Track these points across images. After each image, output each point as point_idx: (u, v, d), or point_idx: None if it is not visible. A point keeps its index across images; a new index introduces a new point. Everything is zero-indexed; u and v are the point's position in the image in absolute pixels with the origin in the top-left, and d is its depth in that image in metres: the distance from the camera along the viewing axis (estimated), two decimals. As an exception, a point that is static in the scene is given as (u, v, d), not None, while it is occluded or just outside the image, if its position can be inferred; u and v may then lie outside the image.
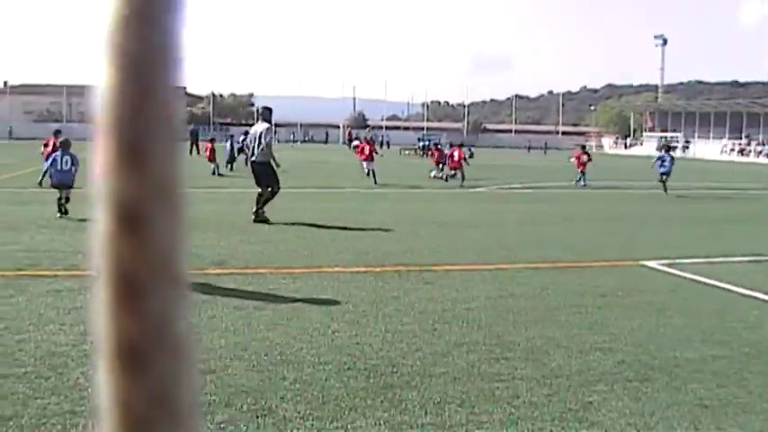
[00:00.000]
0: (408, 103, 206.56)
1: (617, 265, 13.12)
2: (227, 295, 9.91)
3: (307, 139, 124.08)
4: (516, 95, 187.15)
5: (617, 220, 20.52)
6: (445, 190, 30.09)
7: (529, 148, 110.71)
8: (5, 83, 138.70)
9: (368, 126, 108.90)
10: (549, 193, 31.03)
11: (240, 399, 6.27)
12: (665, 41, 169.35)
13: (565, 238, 16.52)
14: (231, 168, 36.94)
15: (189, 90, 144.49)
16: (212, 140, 37.27)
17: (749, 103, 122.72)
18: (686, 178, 41.12)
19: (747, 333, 8.88)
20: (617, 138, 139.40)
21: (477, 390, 6.70)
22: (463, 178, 33.17)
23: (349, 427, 5.86)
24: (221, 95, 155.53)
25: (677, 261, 13.47)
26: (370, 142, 35.72)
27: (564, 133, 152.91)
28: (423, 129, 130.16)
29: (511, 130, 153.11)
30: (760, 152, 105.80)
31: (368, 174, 32.92)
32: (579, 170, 36.04)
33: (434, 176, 35.23)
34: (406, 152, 77.47)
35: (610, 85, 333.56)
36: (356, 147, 42.56)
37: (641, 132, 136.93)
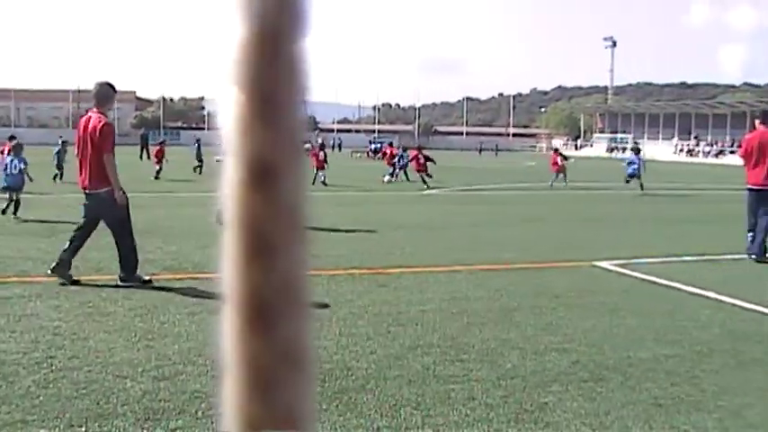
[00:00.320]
0: (359, 106, 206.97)
1: (570, 266, 13.18)
2: (179, 300, 9.83)
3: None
4: (467, 98, 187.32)
5: (570, 222, 20.63)
6: (398, 193, 30.11)
7: (480, 150, 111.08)
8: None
9: (318, 129, 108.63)
10: (503, 195, 31.16)
11: (195, 404, 6.21)
12: (614, 43, 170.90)
13: (519, 239, 16.59)
14: (200, 172, 36.65)
15: (139, 94, 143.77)
16: (163, 142, 36.95)
17: (698, 105, 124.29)
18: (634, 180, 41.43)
19: (699, 332, 8.95)
20: (567, 139, 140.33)
21: (433, 392, 6.69)
22: (425, 182, 33.29)
23: (304, 431, 5.80)
24: (172, 99, 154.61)
25: (629, 261, 13.56)
26: (323, 148, 35.72)
27: (515, 135, 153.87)
28: (374, 131, 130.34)
29: (462, 133, 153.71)
30: (708, 152, 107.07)
31: (322, 182, 32.17)
32: (555, 172, 36.29)
33: (388, 181, 35.19)
34: (357, 154, 77.46)
35: (560, 87, 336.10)
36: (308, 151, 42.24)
37: (591, 134, 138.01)
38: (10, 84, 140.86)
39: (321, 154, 33.67)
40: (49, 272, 10.75)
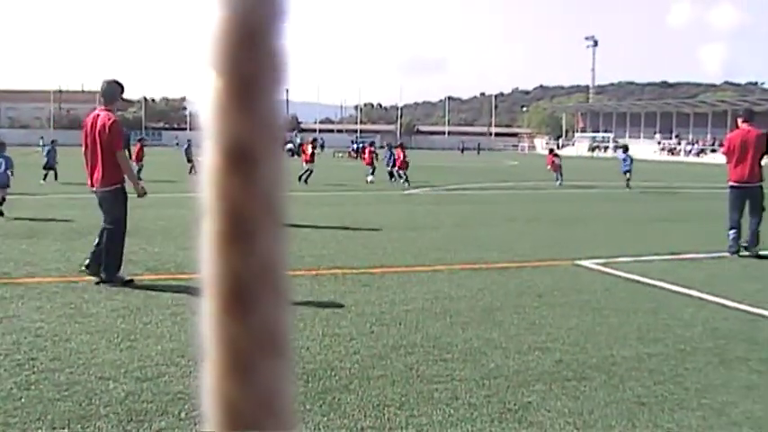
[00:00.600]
0: (341, 106, 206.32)
1: (553, 265, 13.20)
2: (162, 301, 9.80)
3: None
4: (449, 97, 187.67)
5: (553, 221, 20.65)
6: (380, 193, 30.09)
7: (462, 150, 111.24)
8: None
9: (301, 129, 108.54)
10: (485, 194, 31.20)
11: (177, 406, 6.19)
12: (595, 43, 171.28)
13: (501, 239, 16.60)
14: (193, 172, 36.61)
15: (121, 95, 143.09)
16: (141, 140, 36.77)
17: (679, 104, 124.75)
18: (618, 177, 41.56)
19: (682, 330, 8.98)
20: (549, 138, 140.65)
21: (416, 392, 6.68)
22: (407, 178, 33.54)
23: None
24: (153, 100, 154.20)
25: (612, 260, 13.60)
26: (314, 142, 36.05)
27: (497, 134, 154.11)
28: (356, 131, 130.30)
29: (444, 132, 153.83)
30: (689, 151, 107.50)
31: (304, 179, 32.87)
32: (554, 171, 37.39)
33: (371, 181, 35.14)
34: (340, 154, 77.47)
35: (541, 87, 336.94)
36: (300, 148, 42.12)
37: (573, 133, 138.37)
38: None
39: (309, 148, 34.01)
40: (84, 268, 10.95)
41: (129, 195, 11.15)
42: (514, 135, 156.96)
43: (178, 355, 7.52)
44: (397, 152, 35.45)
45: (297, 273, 11.84)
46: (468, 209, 24.04)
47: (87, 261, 10.91)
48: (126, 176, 11.08)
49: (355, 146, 76.66)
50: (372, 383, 6.88)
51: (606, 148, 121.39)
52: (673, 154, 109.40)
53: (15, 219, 18.03)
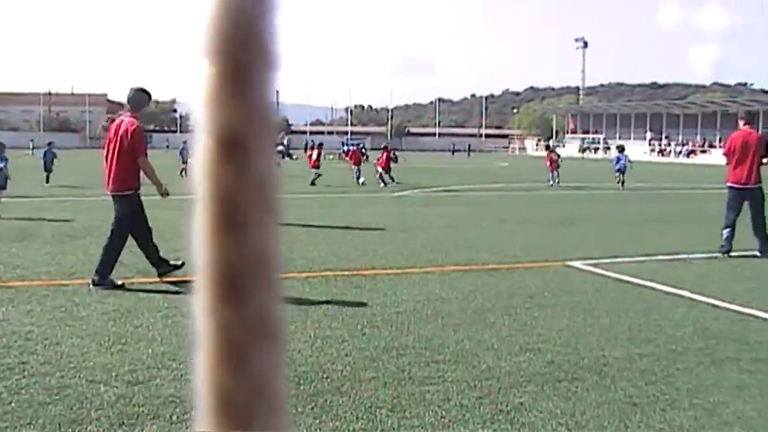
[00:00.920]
0: (332, 108, 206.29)
1: (544, 266, 13.21)
2: (153, 304, 9.78)
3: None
4: (439, 99, 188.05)
5: (543, 222, 20.67)
6: (371, 194, 30.09)
7: (453, 151, 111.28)
8: None
9: (291, 131, 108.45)
10: (476, 195, 31.22)
11: (169, 409, 6.17)
12: (585, 44, 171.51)
13: (492, 240, 16.61)
14: (185, 175, 36.77)
15: (110, 97, 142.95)
16: None
17: (669, 105, 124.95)
18: (608, 178, 41.62)
19: (673, 330, 8.99)
20: (539, 140, 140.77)
21: (408, 394, 6.68)
22: (385, 181, 33.81)
23: (280, 435, 5.78)
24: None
25: (603, 261, 13.62)
26: (320, 147, 36.32)
27: (487, 136, 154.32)
28: (347, 133, 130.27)
29: (435, 134, 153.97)
30: (680, 152, 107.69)
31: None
32: (551, 170, 37.96)
33: (363, 183, 35.09)
34: (330, 156, 77.45)
35: (532, 88, 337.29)
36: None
37: (563, 134, 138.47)
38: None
39: (314, 153, 34.39)
40: (160, 278, 11.23)
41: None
42: (505, 136, 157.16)
43: (169, 358, 7.50)
44: (382, 153, 35.72)
45: (288, 275, 11.82)
46: (459, 210, 24.05)
47: (158, 272, 11.33)
48: (150, 180, 11.34)
49: (346, 148, 76.66)
50: (364, 385, 6.87)
51: (597, 149, 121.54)
52: (663, 155, 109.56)
53: (6, 220, 18.00)
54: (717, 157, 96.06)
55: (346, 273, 12.18)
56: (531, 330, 8.87)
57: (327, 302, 10.05)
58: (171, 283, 10.95)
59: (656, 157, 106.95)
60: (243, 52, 0.56)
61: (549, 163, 38.51)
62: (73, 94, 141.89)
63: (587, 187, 37.22)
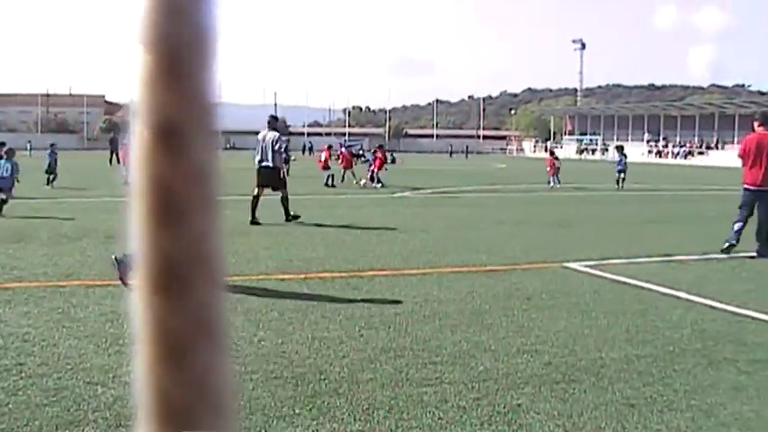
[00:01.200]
0: (330, 109, 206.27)
1: (542, 267, 13.21)
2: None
3: (229, 146, 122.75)
4: (437, 100, 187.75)
5: (541, 223, 20.68)
6: (369, 196, 30.10)
7: (451, 153, 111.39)
8: None
9: (289, 132, 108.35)
10: (473, 197, 31.23)
11: (166, 410, 6.16)
12: (583, 46, 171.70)
13: (490, 241, 16.61)
14: None
15: (108, 98, 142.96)
16: (125, 144, 36.85)
17: (666, 106, 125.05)
18: (606, 180, 41.66)
19: (670, 332, 9.00)
20: (536, 141, 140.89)
21: (406, 395, 6.68)
22: (373, 180, 34.04)
23: (277, 436, 5.79)
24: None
25: (600, 262, 13.62)
26: (330, 149, 36.50)
27: (485, 137, 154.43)
28: (344, 134, 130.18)
29: (432, 135, 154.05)
30: (677, 154, 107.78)
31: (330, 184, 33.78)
32: (551, 175, 37.77)
33: (364, 185, 35.00)
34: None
35: (529, 89, 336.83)
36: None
37: (561, 136, 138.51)
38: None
39: (323, 156, 34.61)
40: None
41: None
42: (503, 138, 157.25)
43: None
44: (378, 154, 35.80)
45: (286, 276, 11.84)
46: (456, 212, 24.06)
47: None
48: None
49: (343, 149, 76.65)
50: (362, 387, 6.87)
51: (594, 150, 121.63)
52: (660, 156, 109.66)
53: (3, 220, 17.99)
54: (714, 158, 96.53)
55: (344, 274, 12.18)
56: (528, 332, 8.87)
57: (325, 304, 10.05)
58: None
59: (653, 159, 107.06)
60: (178, 38, 0.55)
61: (549, 167, 38.45)
62: (71, 96, 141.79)
63: (585, 189, 37.23)
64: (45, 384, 6.73)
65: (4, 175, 20.74)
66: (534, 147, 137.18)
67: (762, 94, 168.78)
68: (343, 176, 36.56)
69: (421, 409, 6.34)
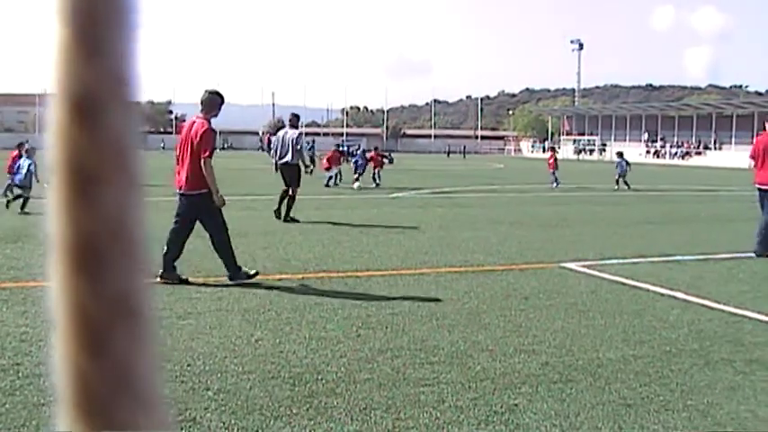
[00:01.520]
0: (328, 110, 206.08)
1: (539, 267, 13.22)
2: (147, 305, 9.75)
3: (226, 146, 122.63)
4: (435, 100, 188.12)
5: (538, 223, 20.69)
6: (366, 196, 30.09)
7: (448, 153, 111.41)
8: None
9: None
10: (470, 197, 31.23)
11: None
12: (581, 46, 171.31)
13: (487, 242, 16.62)
14: None
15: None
16: None
17: (664, 106, 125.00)
18: (603, 180, 41.69)
19: (667, 332, 9.01)
20: (534, 141, 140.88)
21: (403, 395, 6.68)
22: (374, 179, 34.15)
23: (274, 436, 5.80)
24: (140, 107, 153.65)
25: (597, 263, 13.63)
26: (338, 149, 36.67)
27: (483, 138, 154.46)
28: (342, 135, 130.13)
29: (430, 135, 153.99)
30: (674, 154, 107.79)
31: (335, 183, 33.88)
32: (551, 171, 38.12)
33: (359, 187, 34.91)
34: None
35: (527, 90, 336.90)
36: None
37: (559, 136, 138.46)
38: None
39: (324, 157, 34.67)
40: (159, 279, 11.03)
41: None
42: (500, 138, 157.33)
43: (165, 359, 7.49)
44: (374, 155, 35.92)
45: (283, 276, 11.84)
46: (454, 212, 24.05)
47: (160, 271, 11.17)
48: (208, 183, 11.39)
49: (341, 149, 76.61)
50: (359, 387, 6.87)
51: (592, 150, 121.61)
52: (658, 156, 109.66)
53: (1, 221, 17.97)
54: (712, 159, 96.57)
55: (341, 274, 12.18)
56: (525, 332, 8.87)
57: (322, 304, 10.05)
58: (165, 285, 10.93)
59: (651, 159, 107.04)
60: (94, 11, 0.53)
61: (551, 162, 38.60)
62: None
63: (583, 189, 37.24)
64: (42, 384, 6.72)
65: (25, 172, 21.13)
66: (532, 147, 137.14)
67: (759, 94, 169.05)
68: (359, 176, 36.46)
69: (418, 409, 6.35)
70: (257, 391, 6.70)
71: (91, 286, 0.53)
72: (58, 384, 0.55)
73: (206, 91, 11.81)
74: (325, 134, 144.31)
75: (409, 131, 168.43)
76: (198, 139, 11.27)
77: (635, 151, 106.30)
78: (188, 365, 7.33)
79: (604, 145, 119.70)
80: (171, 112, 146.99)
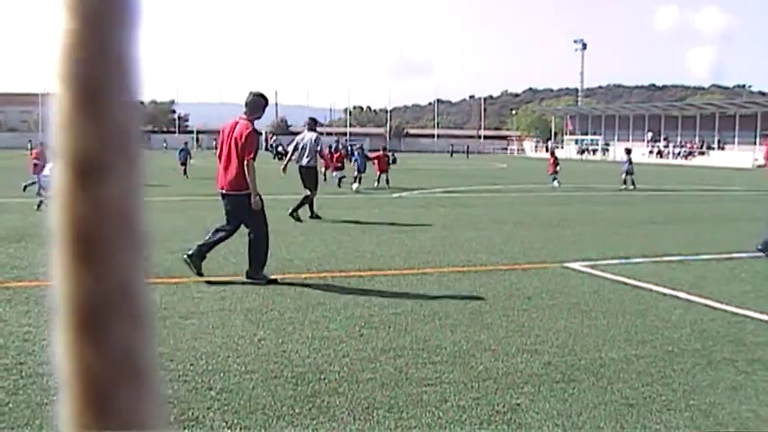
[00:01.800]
0: (331, 109, 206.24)
1: (541, 267, 13.22)
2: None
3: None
4: (438, 100, 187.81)
5: (541, 223, 20.68)
6: (369, 196, 30.08)
7: (451, 153, 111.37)
8: None
9: (290, 132, 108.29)
10: (474, 197, 31.22)
11: (167, 408, 6.16)
12: (584, 46, 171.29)
13: (490, 241, 16.62)
14: (186, 174, 37.73)
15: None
16: None
17: (667, 106, 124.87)
18: (606, 180, 41.67)
19: (670, 332, 9.01)
20: (538, 141, 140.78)
21: (405, 395, 6.69)
22: (386, 181, 33.91)
23: (277, 435, 5.80)
24: (142, 102, 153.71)
25: (600, 263, 13.63)
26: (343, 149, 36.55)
27: (486, 137, 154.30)
28: (345, 134, 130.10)
29: (433, 135, 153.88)
30: (678, 154, 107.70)
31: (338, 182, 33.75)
32: (551, 173, 38.16)
33: (357, 190, 34.76)
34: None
35: (530, 90, 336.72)
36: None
37: (562, 136, 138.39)
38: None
39: (330, 155, 34.60)
40: (186, 258, 11.51)
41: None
42: (504, 138, 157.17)
43: (167, 359, 7.50)
44: (374, 154, 35.94)
45: (286, 276, 11.84)
46: (456, 212, 24.05)
47: (191, 252, 11.56)
48: (249, 184, 11.57)
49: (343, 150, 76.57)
50: (361, 386, 6.88)
51: (595, 150, 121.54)
52: (661, 156, 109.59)
53: (3, 220, 17.99)
54: (715, 158, 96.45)
55: (344, 274, 12.19)
56: (528, 331, 8.88)
57: (325, 303, 10.06)
58: (168, 284, 10.95)
59: (654, 159, 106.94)
60: (98, 72, 0.53)
61: (552, 164, 38.58)
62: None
63: (585, 189, 37.21)
64: (45, 384, 6.74)
65: (47, 173, 21.21)
66: (535, 147, 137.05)
67: (763, 94, 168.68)
68: (325, 176, 36.43)
69: (420, 409, 6.35)
70: (260, 390, 6.71)
71: (96, 348, 0.54)
72: (60, 374, 0.55)
73: (251, 93, 12.00)
74: (329, 134, 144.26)
75: (412, 131, 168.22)
76: (242, 140, 11.46)
77: (638, 151, 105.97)
78: (191, 365, 7.34)
79: (607, 145, 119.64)
80: (174, 111, 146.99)
